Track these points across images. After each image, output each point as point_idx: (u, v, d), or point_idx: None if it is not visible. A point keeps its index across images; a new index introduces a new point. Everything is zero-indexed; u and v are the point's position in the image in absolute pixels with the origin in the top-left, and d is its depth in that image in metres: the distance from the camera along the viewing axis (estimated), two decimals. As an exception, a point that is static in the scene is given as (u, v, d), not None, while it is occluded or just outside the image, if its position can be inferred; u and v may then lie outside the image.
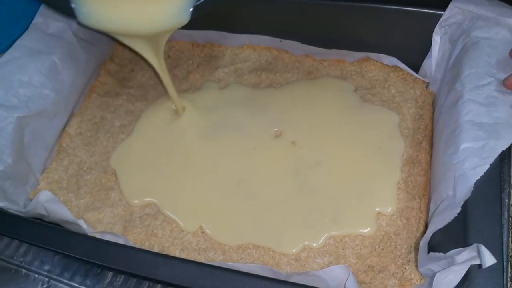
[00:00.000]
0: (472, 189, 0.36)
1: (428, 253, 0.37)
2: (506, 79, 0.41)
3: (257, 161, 0.50)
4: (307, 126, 0.52)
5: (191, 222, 0.46)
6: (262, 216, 0.46)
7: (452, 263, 0.34)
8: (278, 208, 0.46)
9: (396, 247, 0.42)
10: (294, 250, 0.43)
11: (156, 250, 0.45)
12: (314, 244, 0.43)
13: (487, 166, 0.36)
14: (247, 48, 0.60)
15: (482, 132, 0.39)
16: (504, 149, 0.37)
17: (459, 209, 0.35)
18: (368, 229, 0.43)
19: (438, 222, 0.37)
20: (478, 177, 0.36)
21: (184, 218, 0.47)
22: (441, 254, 0.35)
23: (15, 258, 0.50)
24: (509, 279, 0.37)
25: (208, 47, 0.62)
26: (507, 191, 0.42)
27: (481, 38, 0.45)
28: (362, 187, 0.46)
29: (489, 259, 0.31)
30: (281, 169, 0.49)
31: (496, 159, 0.37)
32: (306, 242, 0.43)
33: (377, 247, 0.43)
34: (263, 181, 0.48)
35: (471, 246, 0.32)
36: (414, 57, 0.52)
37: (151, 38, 0.45)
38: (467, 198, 0.36)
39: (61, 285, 0.47)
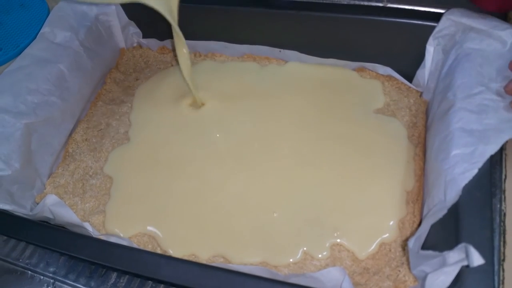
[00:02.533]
0: (461, 193, 0.37)
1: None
2: (506, 85, 0.41)
3: (264, 171, 0.49)
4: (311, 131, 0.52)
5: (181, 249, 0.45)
6: (266, 230, 0.45)
7: (443, 263, 0.34)
8: (282, 220, 0.46)
9: (390, 250, 0.43)
10: (291, 260, 0.44)
11: (159, 251, 0.45)
12: (319, 256, 0.43)
13: (476, 171, 0.37)
14: (247, 58, 0.61)
15: (472, 138, 0.39)
16: (493, 153, 0.37)
17: (446, 211, 0.36)
18: (372, 247, 0.43)
19: (427, 224, 0.38)
20: (467, 181, 0.37)
21: (174, 246, 0.45)
22: (430, 251, 0.35)
23: (21, 260, 0.50)
24: (501, 282, 0.38)
25: (209, 57, 0.63)
26: (499, 196, 0.42)
27: (474, 49, 0.45)
28: (366, 201, 0.46)
29: (477, 259, 0.31)
30: (287, 180, 0.48)
31: (486, 165, 0.38)
32: (305, 249, 0.44)
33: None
34: (271, 192, 0.48)
35: (459, 245, 0.33)
36: (408, 67, 0.53)
37: None
38: (455, 201, 0.37)
39: (66, 286, 0.48)
